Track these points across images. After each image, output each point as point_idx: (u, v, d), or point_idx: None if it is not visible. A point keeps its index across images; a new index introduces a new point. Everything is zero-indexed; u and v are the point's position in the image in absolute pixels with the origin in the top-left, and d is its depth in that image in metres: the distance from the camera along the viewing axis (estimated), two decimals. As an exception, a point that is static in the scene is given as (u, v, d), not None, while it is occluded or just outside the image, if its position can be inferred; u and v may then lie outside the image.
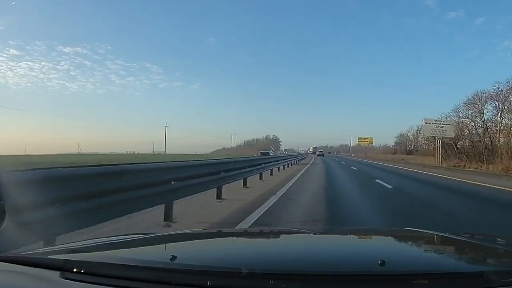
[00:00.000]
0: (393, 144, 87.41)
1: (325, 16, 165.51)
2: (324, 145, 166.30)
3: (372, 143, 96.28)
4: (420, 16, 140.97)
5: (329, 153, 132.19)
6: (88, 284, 1.00)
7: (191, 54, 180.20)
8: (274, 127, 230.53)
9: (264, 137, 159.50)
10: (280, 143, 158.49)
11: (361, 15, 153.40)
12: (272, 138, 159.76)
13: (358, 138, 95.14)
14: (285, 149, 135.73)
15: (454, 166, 29.09)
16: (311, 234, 1.94)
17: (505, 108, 30.07)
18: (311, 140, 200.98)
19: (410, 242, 1.75)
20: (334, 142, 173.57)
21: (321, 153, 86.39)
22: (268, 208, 7.05)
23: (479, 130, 32.91)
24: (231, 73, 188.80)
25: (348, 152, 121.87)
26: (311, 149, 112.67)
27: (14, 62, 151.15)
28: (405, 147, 75.27)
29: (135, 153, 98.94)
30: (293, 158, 32.12)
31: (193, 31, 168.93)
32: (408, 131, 76.94)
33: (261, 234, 2.14)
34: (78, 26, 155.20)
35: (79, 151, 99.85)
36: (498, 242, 1.59)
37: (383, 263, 1.06)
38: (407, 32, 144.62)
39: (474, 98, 32.95)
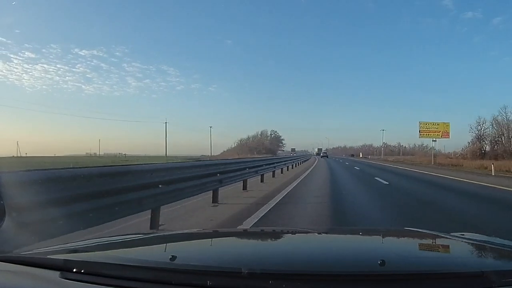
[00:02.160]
0: (468, 141, 47.38)
1: (343, 16, 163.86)
2: (341, 146, 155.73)
3: (448, 135, 46.13)
4: (438, 17, 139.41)
5: (352, 155, 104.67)
6: (88, 284, 1.00)
7: (209, 56, 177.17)
8: (282, 127, 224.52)
9: (259, 133, 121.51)
10: (282, 140, 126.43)
11: (379, 15, 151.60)
12: (271, 135, 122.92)
13: (420, 124, 45.82)
14: (292, 149, 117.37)
15: None
16: (311, 234, 1.94)
17: None
18: (326, 140, 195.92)
19: (410, 242, 1.75)
20: (354, 143, 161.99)
21: (325, 154, 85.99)
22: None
23: None
24: (247, 74, 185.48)
25: (379, 155, 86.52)
26: (316, 150, 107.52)
27: (30, 65, 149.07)
28: (510, 144, 39.52)
29: (99, 155, 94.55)
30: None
31: (210, 34, 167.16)
32: (498, 118, 42.11)
33: (261, 234, 2.14)
34: (94, 29, 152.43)
35: (18, 153, 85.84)
36: (498, 242, 1.59)
37: (383, 263, 1.07)
38: (424, 31, 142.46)
39: None
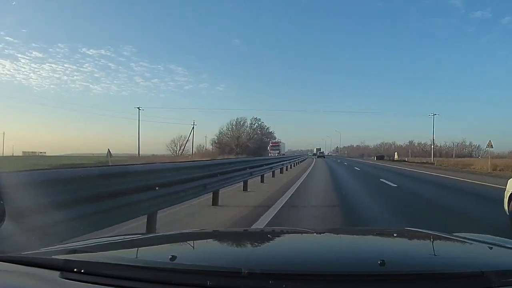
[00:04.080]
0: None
1: (349, 16, 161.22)
2: (353, 145, 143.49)
3: None
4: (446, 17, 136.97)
5: (382, 157, 68.34)
6: (88, 284, 1.00)
7: (217, 55, 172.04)
8: (287, 127, 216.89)
9: (233, 122, 77.45)
10: (272, 133, 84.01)
11: (388, 16, 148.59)
12: (253, 125, 78.81)
13: None
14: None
15: None
16: (311, 234, 1.94)
17: None
18: (337, 134, 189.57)
19: (410, 242, 1.75)
20: (370, 141, 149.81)
21: (321, 154, 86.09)
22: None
23: None
24: (252, 73, 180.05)
25: (420, 156, 61.96)
26: (314, 151, 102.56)
27: (37, 64, 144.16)
28: None
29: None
30: None
31: (218, 33, 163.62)
32: None
33: (261, 234, 2.14)
34: (102, 28, 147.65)
35: None
36: (498, 242, 1.59)
37: (383, 263, 1.07)
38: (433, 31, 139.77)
39: None
